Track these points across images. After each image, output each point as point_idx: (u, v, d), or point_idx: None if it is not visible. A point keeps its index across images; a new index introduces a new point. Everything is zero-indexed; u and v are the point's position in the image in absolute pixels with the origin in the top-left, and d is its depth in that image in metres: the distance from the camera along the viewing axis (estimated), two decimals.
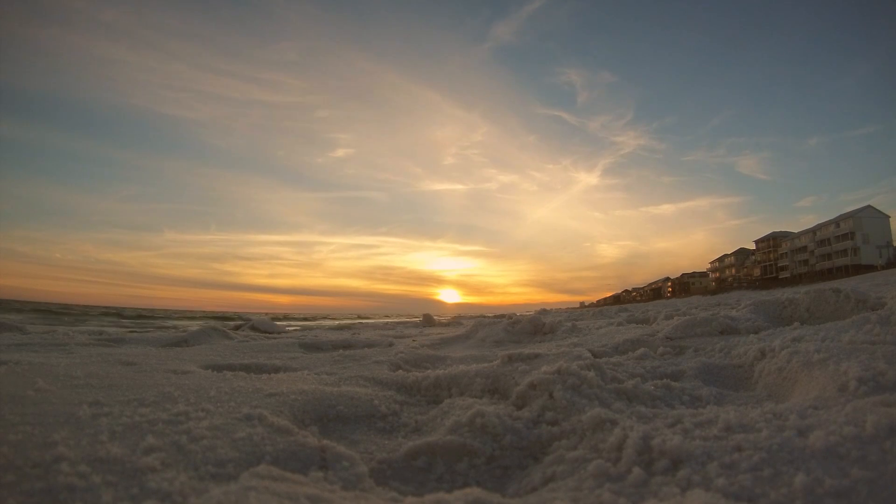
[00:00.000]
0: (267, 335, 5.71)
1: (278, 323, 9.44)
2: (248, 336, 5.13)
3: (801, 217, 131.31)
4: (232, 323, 7.95)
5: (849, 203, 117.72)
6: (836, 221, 52.87)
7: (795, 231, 60.16)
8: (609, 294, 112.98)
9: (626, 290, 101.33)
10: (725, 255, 73.59)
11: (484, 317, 8.61)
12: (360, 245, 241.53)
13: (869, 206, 51.08)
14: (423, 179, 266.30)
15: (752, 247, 66.46)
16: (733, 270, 70.23)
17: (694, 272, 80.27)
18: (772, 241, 61.94)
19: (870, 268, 45.62)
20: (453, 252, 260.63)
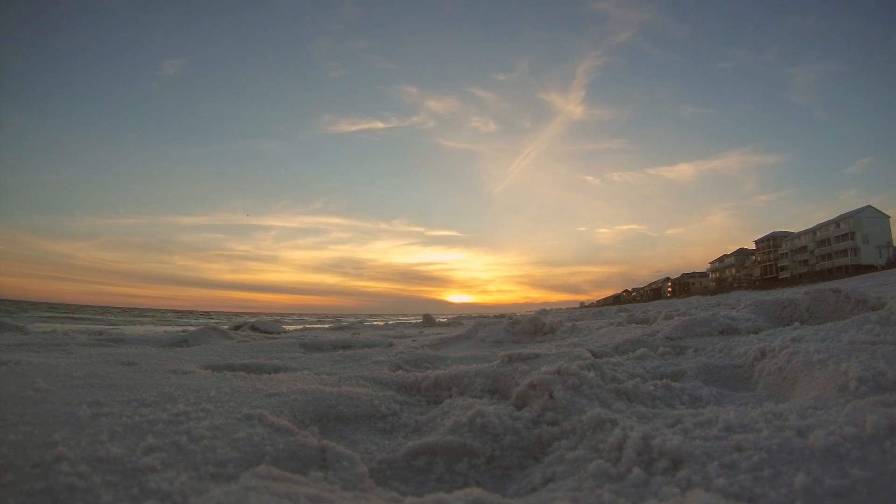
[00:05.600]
0: (267, 335, 5.72)
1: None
2: (247, 336, 5.13)
3: (842, 192, 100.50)
4: (231, 323, 7.97)
5: None
6: (837, 221, 52.89)
7: (796, 231, 60.20)
8: (610, 293, 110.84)
9: (626, 291, 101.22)
10: (725, 256, 73.66)
11: (484, 317, 8.62)
12: (303, 230, 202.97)
13: (869, 207, 51.12)
14: (319, 112, 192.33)
15: (752, 247, 66.50)
16: (733, 270, 70.25)
17: (694, 272, 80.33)
18: (772, 241, 61.97)
19: (870, 268, 45.62)
20: (423, 240, 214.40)
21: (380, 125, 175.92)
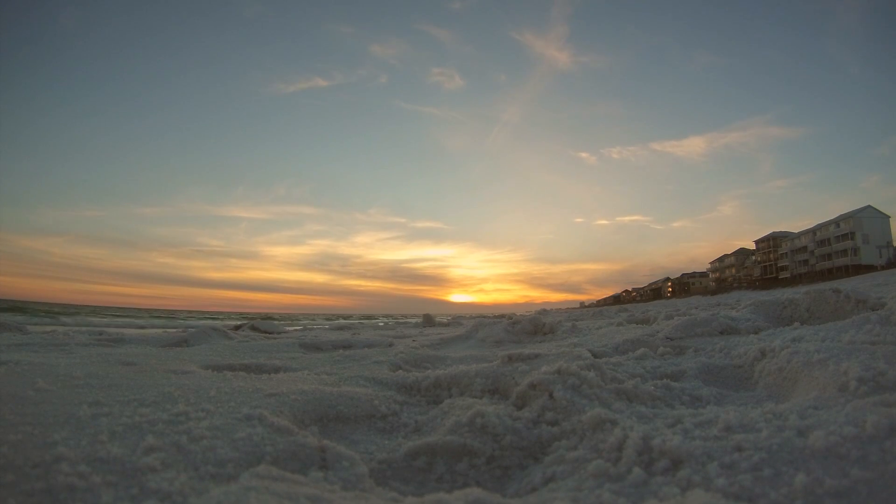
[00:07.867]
0: (267, 335, 5.71)
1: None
2: (247, 336, 5.13)
3: (865, 179, 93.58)
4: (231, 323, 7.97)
5: None
6: (836, 221, 52.95)
7: (796, 231, 60.26)
8: (610, 293, 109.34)
9: (626, 291, 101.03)
10: (725, 256, 73.75)
11: (484, 317, 8.64)
12: (274, 221, 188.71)
13: (869, 207, 51.18)
14: (245, 67, 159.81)
15: (752, 247, 66.56)
16: (733, 270, 70.28)
17: (694, 272, 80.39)
18: (772, 242, 62.04)
19: (870, 268, 45.64)
20: (406, 233, 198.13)
21: (322, 83, 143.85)
